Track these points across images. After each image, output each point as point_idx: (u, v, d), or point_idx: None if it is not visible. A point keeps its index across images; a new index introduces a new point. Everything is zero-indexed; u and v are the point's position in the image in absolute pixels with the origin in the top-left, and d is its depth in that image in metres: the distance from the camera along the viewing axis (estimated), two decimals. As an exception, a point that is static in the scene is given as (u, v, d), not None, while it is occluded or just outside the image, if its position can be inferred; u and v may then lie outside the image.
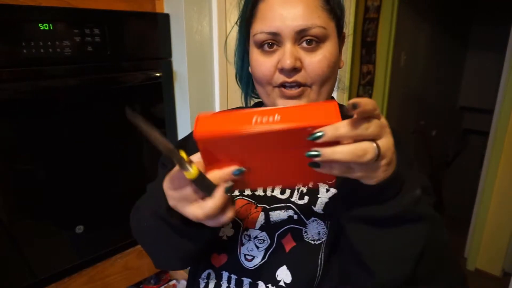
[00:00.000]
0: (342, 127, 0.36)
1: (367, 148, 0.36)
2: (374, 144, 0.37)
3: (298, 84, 0.56)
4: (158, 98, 1.15)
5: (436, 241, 0.47)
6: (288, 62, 0.53)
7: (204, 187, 0.41)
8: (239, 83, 0.72)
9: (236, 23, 0.66)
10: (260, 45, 0.57)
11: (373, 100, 0.36)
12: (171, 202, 0.45)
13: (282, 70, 0.55)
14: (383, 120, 0.38)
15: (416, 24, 2.65)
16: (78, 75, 0.95)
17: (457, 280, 0.52)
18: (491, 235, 2.28)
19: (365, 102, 0.35)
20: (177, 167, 0.42)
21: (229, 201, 0.44)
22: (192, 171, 0.40)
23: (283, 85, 0.56)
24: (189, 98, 1.18)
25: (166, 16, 1.13)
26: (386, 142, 0.38)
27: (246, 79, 0.69)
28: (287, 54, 0.54)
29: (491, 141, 2.26)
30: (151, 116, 1.15)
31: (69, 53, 0.90)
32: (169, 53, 1.16)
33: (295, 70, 0.54)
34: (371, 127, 0.36)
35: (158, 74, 1.11)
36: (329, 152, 0.36)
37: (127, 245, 1.15)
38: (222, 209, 0.43)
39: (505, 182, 2.17)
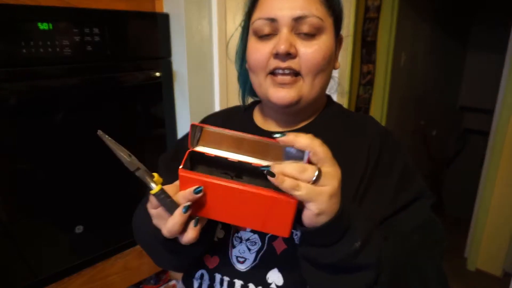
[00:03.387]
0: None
1: (308, 167, 0.42)
2: (316, 168, 0.42)
3: (292, 72, 0.56)
4: (158, 98, 1.15)
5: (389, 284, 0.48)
6: (282, 47, 0.54)
7: (165, 204, 0.46)
8: (238, 82, 0.72)
9: (240, 24, 0.67)
10: (257, 33, 0.58)
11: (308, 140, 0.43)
12: (153, 219, 0.49)
13: (276, 55, 0.56)
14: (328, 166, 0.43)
15: (416, 24, 2.64)
16: (77, 75, 0.95)
17: None
18: (491, 235, 2.28)
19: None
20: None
21: (191, 222, 0.47)
22: (155, 188, 0.46)
23: (275, 72, 0.57)
24: (189, 97, 1.18)
25: (166, 16, 1.13)
26: (330, 172, 0.43)
27: (244, 77, 0.70)
28: (282, 39, 0.54)
29: (491, 141, 2.26)
30: (151, 116, 1.15)
31: (68, 53, 0.90)
32: (168, 53, 1.16)
33: (289, 55, 0.55)
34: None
35: (158, 74, 1.11)
36: (278, 166, 0.42)
37: (127, 245, 1.15)
38: (184, 228, 0.46)
39: (505, 182, 2.17)
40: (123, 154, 0.46)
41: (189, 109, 1.19)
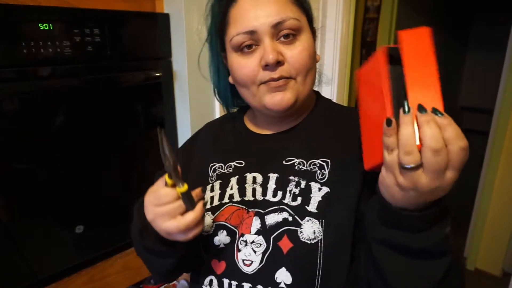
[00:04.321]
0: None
1: (443, 153, 0.36)
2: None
3: (283, 78, 0.57)
4: (158, 98, 1.15)
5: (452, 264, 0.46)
6: (271, 57, 0.54)
7: (189, 201, 0.49)
8: (218, 98, 0.72)
9: (206, 40, 0.66)
10: (239, 48, 0.58)
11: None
12: (150, 216, 0.51)
13: (266, 67, 0.56)
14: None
15: (416, 24, 2.63)
16: (78, 75, 0.95)
17: None
18: (491, 235, 2.28)
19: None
20: (161, 184, 0.50)
21: (203, 216, 0.51)
22: (183, 187, 0.48)
23: (268, 81, 0.57)
24: (189, 98, 1.18)
25: (166, 16, 1.13)
26: (450, 180, 0.40)
27: (224, 92, 0.69)
28: (268, 49, 0.55)
29: (491, 141, 2.26)
30: (151, 116, 1.15)
31: (69, 53, 0.90)
32: (169, 53, 1.16)
33: (278, 63, 0.56)
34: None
35: (158, 74, 1.11)
36: (426, 118, 0.39)
37: (127, 245, 1.15)
38: (197, 223, 0.50)
39: (505, 182, 2.17)
40: (171, 158, 0.47)
41: (189, 109, 1.19)
